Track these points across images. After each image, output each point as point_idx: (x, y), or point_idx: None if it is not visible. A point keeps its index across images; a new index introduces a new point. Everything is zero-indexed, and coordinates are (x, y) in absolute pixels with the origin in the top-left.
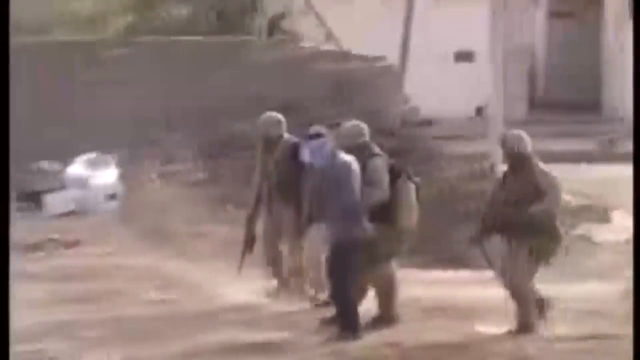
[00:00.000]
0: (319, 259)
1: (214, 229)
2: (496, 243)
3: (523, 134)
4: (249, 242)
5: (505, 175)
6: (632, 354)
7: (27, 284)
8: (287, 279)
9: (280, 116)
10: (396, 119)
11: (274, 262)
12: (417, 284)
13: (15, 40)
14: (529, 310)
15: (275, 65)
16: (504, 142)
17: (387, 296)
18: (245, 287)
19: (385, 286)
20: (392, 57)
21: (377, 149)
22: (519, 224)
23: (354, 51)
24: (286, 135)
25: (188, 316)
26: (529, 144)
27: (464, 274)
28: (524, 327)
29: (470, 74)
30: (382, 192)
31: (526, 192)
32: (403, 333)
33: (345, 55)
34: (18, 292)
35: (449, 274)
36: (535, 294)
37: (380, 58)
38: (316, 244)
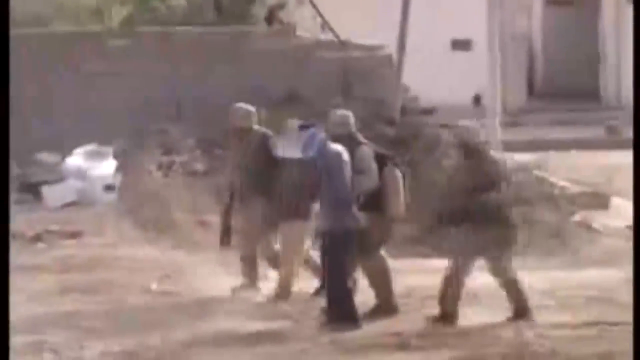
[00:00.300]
0: (294, 252)
1: (215, 219)
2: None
3: (475, 125)
4: (225, 235)
5: (459, 165)
6: (632, 344)
7: (28, 275)
8: (255, 276)
9: (250, 107)
10: (397, 107)
11: (247, 257)
12: (418, 274)
13: (16, 32)
14: (452, 299)
15: (275, 56)
16: (456, 133)
17: (382, 285)
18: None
19: (379, 275)
20: (391, 46)
21: (362, 138)
22: (472, 213)
23: (353, 40)
24: (256, 127)
25: (189, 306)
26: (481, 134)
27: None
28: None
29: (468, 62)
30: (371, 180)
31: (479, 181)
32: (404, 322)
33: (344, 45)
34: (19, 283)
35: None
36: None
37: (380, 47)
38: (291, 238)
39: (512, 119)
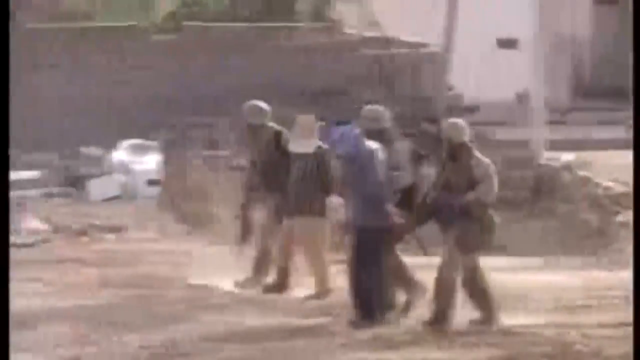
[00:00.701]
0: (318, 249)
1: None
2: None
3: (462, 122)
4: (245, 231)
5: (444, 163)
6: (633, 344)
7: (70, 269)
8: (265, 271)
9: (263, 105)
10: (440, 105)
11: (262, 252)
12: None
13: (63, 25)
14: (443, 300)
15: (320, 52)
16: (443, 130)
17: (402, 278)
18: None
19: (398, 269)
20: (436, 43)
21: (398, 134)
22: (452, 212)
23: (398, 38)
24: (270, 124)
25: (226, 301)
26: (468, 133)
27: (511, 260)
28: (436, 318)
29: (513, 60)
30: (405, 177)
31: (462, 181)
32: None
33: (389, 42)
34: (61, 276)
35: (496, 260)
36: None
37: (424, 45)
38: (309, 234)
39: (558, 118)
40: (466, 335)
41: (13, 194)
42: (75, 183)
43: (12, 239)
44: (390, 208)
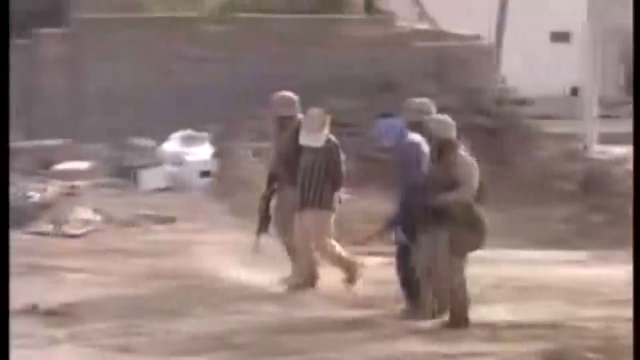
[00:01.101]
0: (307, 245)
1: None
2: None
3: (449, 119)
4: (264, 222)
5: (431, 160)
6: (633, 343)
7: (119, 259)
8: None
9: (294, 96)
10: (492, 97)
11: (287, 246)
12: (513, 264)
13: (115, 16)
14: (459, 307)
15: (372, 44)
16: (428, 126)
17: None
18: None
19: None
20: (489, 36)
21: None
22: (434, 211)
23: (450, 30)
24: (300, 116)
25: (278, 293)
26: (454, 130)
27: (559, 254)
28: (454, 323)
29: (566, 54)
30: None
31: (445, 180)
32: (496, 313)
33: (441, 34)
34: (111, 266)
35: (545, 254)
36: (458, 287)
37: (477, 37)
38: (305, 229)
39: (610, 111)
40: (513, 328)
41: (64, 184)
42: (126, 174)
43: (63, 228)
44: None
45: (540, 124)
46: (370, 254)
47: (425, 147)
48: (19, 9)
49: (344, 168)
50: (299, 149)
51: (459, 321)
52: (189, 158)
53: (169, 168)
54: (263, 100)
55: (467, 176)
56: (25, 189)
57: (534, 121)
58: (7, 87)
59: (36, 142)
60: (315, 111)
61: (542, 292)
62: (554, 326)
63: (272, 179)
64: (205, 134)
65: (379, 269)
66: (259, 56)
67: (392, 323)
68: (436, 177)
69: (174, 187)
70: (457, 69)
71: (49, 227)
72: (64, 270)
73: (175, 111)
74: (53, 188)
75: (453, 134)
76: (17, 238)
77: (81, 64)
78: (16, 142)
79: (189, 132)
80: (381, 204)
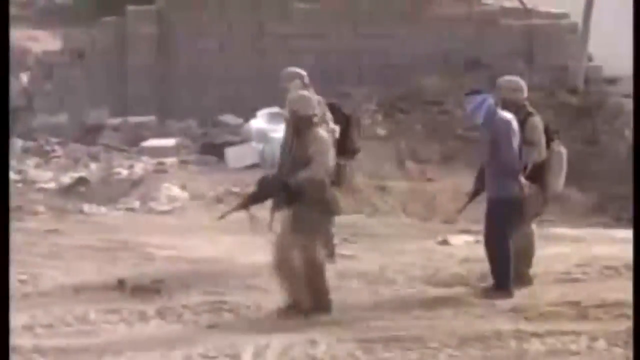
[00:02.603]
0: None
1: (394, 185)
2: None
3: (309, 95)
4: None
5: (289, 137)
6: (633, 343)
7: (207, 235)
8: None
9: (301, 71)
10: (580, 76)
11: None
12: (601, 243)
13: None
14: (292, 285)
15: (458, 22)
16: (288, 102)
17: (526, 256)
18: (424, 245)
19: (528, 246)
20: (576, 14)
21: (532, 109)
22: (288, 190)
23: (537, 8)
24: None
25: (369, 270)
26: (315, 108)
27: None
28: (294, 305)
29: None
30: (539, 152)
31: (301, 158)
32: (583, 292)
33: (529, 12)
34: (199, 242)
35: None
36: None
37: (565, 15)
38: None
39: None
40: (601, 307)
41: (152, 160)
42: (213, 151)
43: (151, 205)
44: (523, 180)
45: (628, 103)
46: (460, 231)
47: (515, 125)
48: None
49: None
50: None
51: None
52: (275, 135)
53: (255, 145)
54: (349, 79)
55: (319, 154)
56: (114, 166)
57: (623, 99)
58: (7, 87)
59: (124, 119)
60: (295, 82)
61: (630, 271)
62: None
63: None
64: None
65: (465, 247)
66: (347, 34)
67: (478, 301)
68: (295, 154)
69: (262, 164)
70: (545, 47)
71: (137, 204)
72: (152, 247)
73: (262, 88)
74: (141, 165)
75: (312, 110)
76: (105, 214)
77: (170, 41)
78: (104, 119)
79: (275, 109)
80: (469, 182)
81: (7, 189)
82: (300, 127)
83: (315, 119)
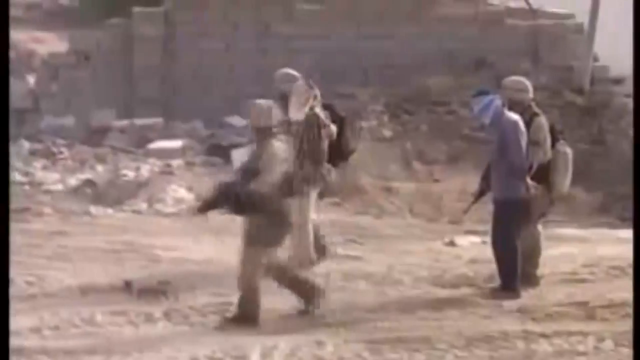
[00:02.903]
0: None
1: (400, 186)
2: None
3: (271, 104)
4: None
5: (254, 146)
6: (633, 343)
7: (214, 238)
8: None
9: (293, 72)
10: (586, 76)
11: None
12: (607, 243)
13: None
14: (246, 300)
15: (463, 22)
16: (250, 112)
17: (532, 256)
18: (430, 246)
19: (534, 246)
20: (582, 14)
21: (537, 109)
22: (241, 200)
23: (543, 8)
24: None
25: (375, 271)
26: (275, 117)
27: None
28: (239, 317)
29: None
30: (544, 152)
31: (253, 168)
32: (590, 292)
33: (535, 13)
34: (206, 243)
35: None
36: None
37: (570, 15)
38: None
39: None
40: (608, 307)
41: (158, 162)
42: (219, 152)
43: (158, 207)
44: (529, 181)
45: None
46: (467, 232)
47: (522, 126)
48: None
49: (324, 142)
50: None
51: (310, 304)
52: None
53: None
54: (353, 79)
55: (267, 168)
56: (120, 168)
57: (628, 100)
58: (7, 87)
59: (131, 121)
60: (300, 85)
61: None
62: None
63: None
64: None
65: (471, 248)
66: (352, 34)
67: (485, 302)
68: (249, 164)
69: None
70: (551, 48)
71: (144, 206)
72: (158, 248)
73: (268, 89)
74: (147, 166)
75: (272, 121)
76: (112, 216)
77: (176, 42)
78: (111, 121)
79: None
80: (475, 183)
81: (8, 189)
82: (258, 137)
83: (275, 130)
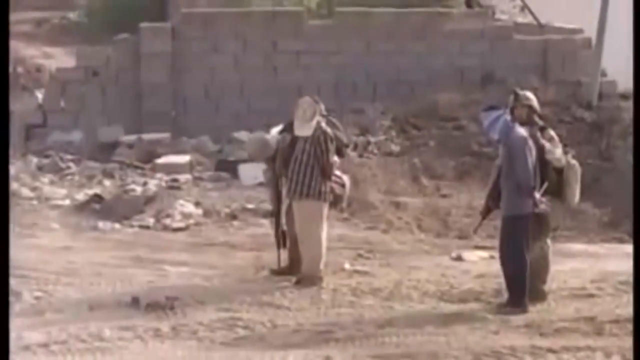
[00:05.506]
0: (311, 233)
1: (408, 201)
2: None
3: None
4: (279, 237)
5: None
6: (633, 343)
7: (222, 253)
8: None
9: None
10: (594, 91)
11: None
12: (616, 258)
13: (216, 10)
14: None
15: (472, 38)
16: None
17: (540, 272)
18: (438, 261)
19: (543, 262)
20: (590, 29)
21: (543, 123)
22: None
23: (551, 24)
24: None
25: (382, 286)
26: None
27: None
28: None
29: None
30: (560, 152)
31: None
32: (598, 307)
33: (543, 28)
34: (213, 259)
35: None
36: None
37: (579, 30)
38: (305, 217)
39: None
40: (617, 322)
41: (166, 177)
42: (226, 168)
43: (166, 222)
44: (538, 196)
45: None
46: (475, 247)
47: (531, 143)
48: (123, 4)
49: (333, 157)
50: (293, 142)
51: None
52: None
53: None
54: (361, 94)
55: None
56: (128, 183)
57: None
58: (7, 87)
59: (138, 136)
60: (306, 100)
61: None
62: None
63: (278, 193)
64: None
65: (479, 263)
66: (361, 50)
67: (493, 317)
68: None
69: None
70: (559, 63)
71: (151, 221)
72: (166, 264)
73: (276, 104)
74: (155, 182)
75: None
76: (120, 231)
77: (184, 58)
78: (119, 136)
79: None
80: (483, 198)
81: (7, 192)
82: None
83: None
